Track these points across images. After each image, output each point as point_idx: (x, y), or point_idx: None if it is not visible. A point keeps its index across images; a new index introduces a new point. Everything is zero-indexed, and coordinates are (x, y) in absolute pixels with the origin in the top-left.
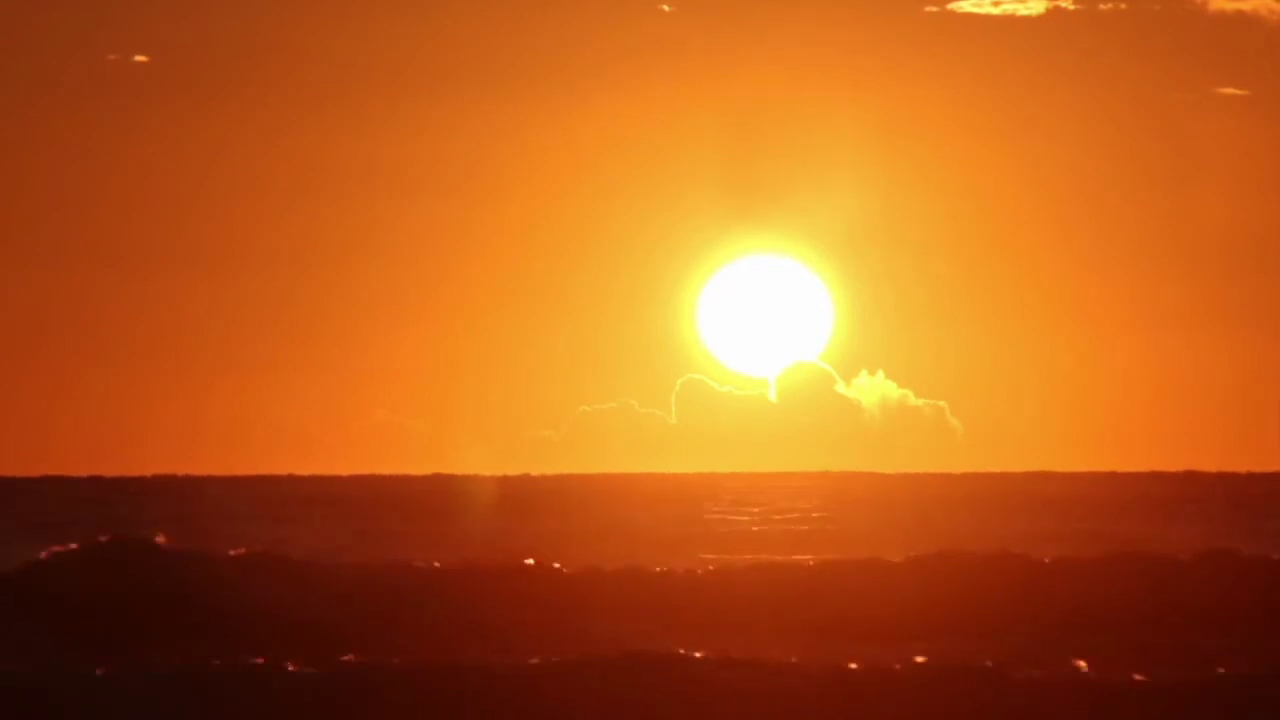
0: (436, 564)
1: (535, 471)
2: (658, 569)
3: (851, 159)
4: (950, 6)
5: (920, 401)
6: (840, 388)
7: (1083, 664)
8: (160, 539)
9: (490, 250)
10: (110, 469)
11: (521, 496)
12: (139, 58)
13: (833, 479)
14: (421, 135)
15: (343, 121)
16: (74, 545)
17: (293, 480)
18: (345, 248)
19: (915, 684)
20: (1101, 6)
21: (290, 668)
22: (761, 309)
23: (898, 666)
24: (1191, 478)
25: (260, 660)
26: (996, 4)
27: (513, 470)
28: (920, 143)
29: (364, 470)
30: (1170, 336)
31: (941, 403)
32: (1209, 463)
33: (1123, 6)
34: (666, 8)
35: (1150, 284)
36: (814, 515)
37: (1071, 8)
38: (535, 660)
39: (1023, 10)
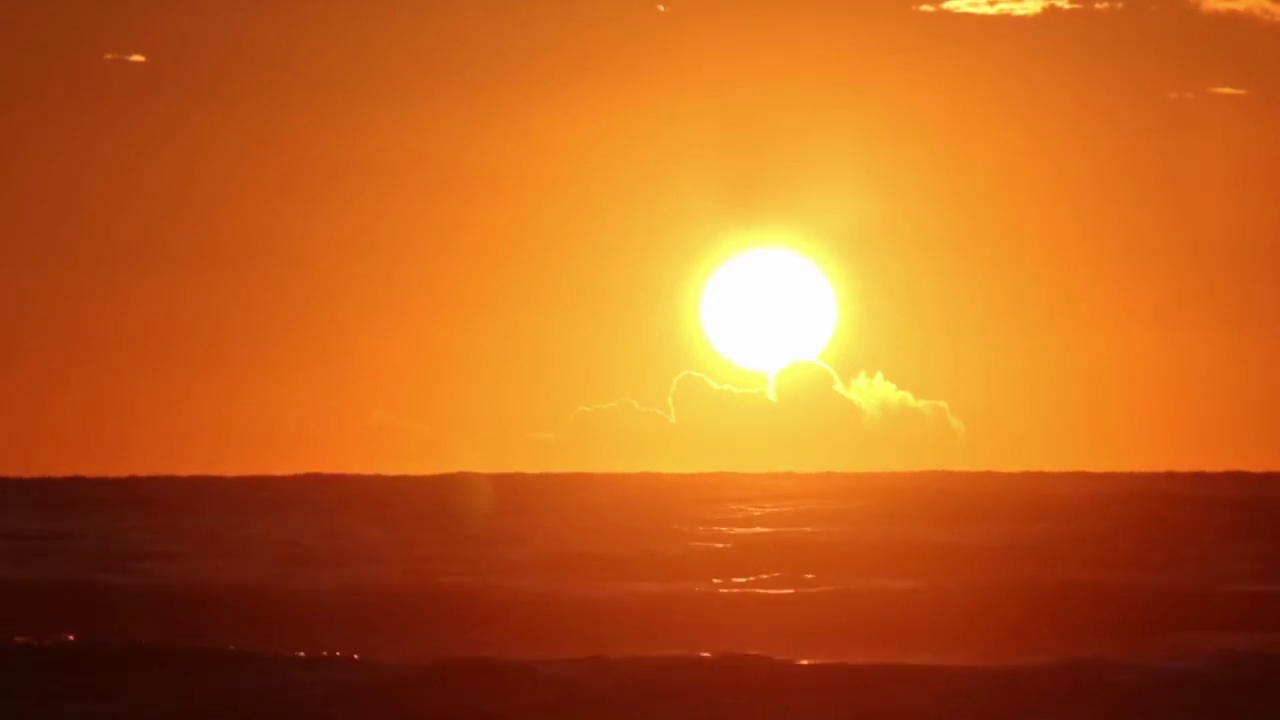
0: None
1: (534, 471)
2: None
3: (847, 159)
4: (945, 6)
5: (921, 402)
6: (839, 388)
7: None
8: None
9: (489, 249)
10: (109, 469)
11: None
12: (136, 57)
13: (840, 479)
14: (421, 133)
15: (343, 120)
16: None
17: (291, 481)
18: (344, 246)
19: None
20: (1097, 6)
21: None
22: (762, 305)
23: None
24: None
25: None
26: (992, 3)
27: (512, 469)
28: (916, 143)
29: (362, 470)
30: (1169, 336)
31: (942, 403)
32: (1209, 463)
33: (1119, 6)
34: (662, 7)
35: (1148, 283)
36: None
37: (1067, 7)
38: None
39: (1018, 10)
